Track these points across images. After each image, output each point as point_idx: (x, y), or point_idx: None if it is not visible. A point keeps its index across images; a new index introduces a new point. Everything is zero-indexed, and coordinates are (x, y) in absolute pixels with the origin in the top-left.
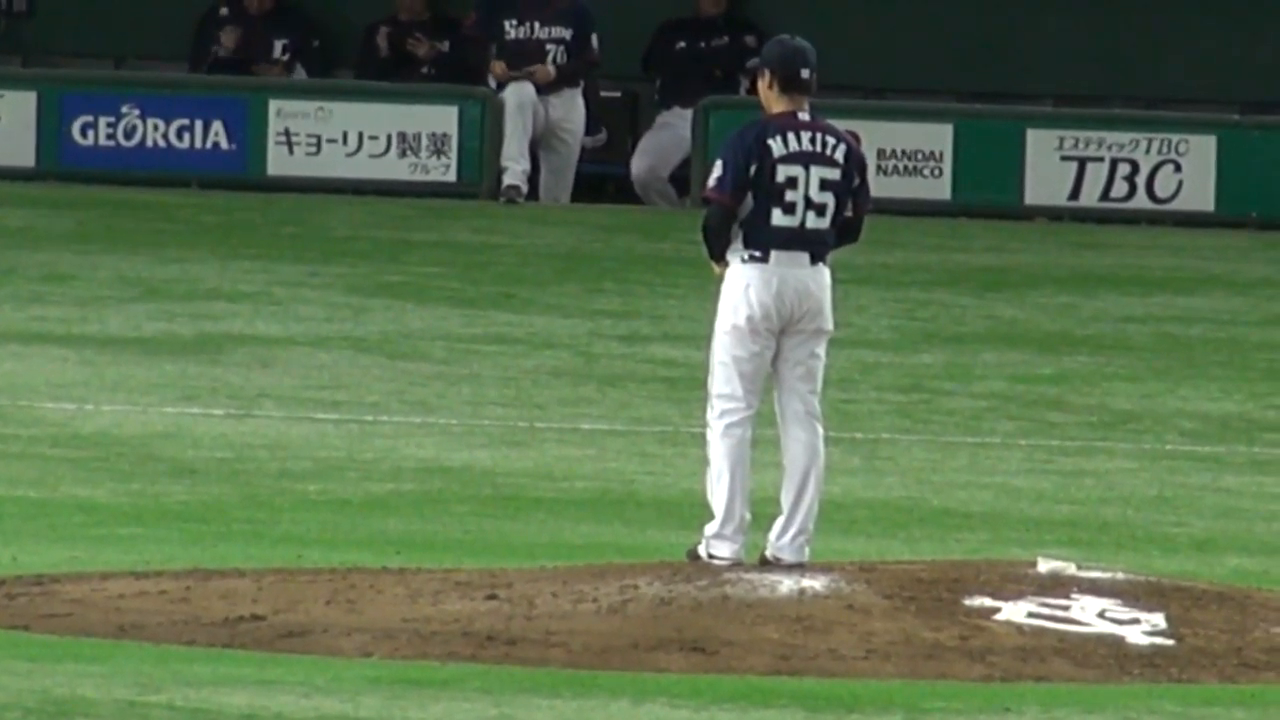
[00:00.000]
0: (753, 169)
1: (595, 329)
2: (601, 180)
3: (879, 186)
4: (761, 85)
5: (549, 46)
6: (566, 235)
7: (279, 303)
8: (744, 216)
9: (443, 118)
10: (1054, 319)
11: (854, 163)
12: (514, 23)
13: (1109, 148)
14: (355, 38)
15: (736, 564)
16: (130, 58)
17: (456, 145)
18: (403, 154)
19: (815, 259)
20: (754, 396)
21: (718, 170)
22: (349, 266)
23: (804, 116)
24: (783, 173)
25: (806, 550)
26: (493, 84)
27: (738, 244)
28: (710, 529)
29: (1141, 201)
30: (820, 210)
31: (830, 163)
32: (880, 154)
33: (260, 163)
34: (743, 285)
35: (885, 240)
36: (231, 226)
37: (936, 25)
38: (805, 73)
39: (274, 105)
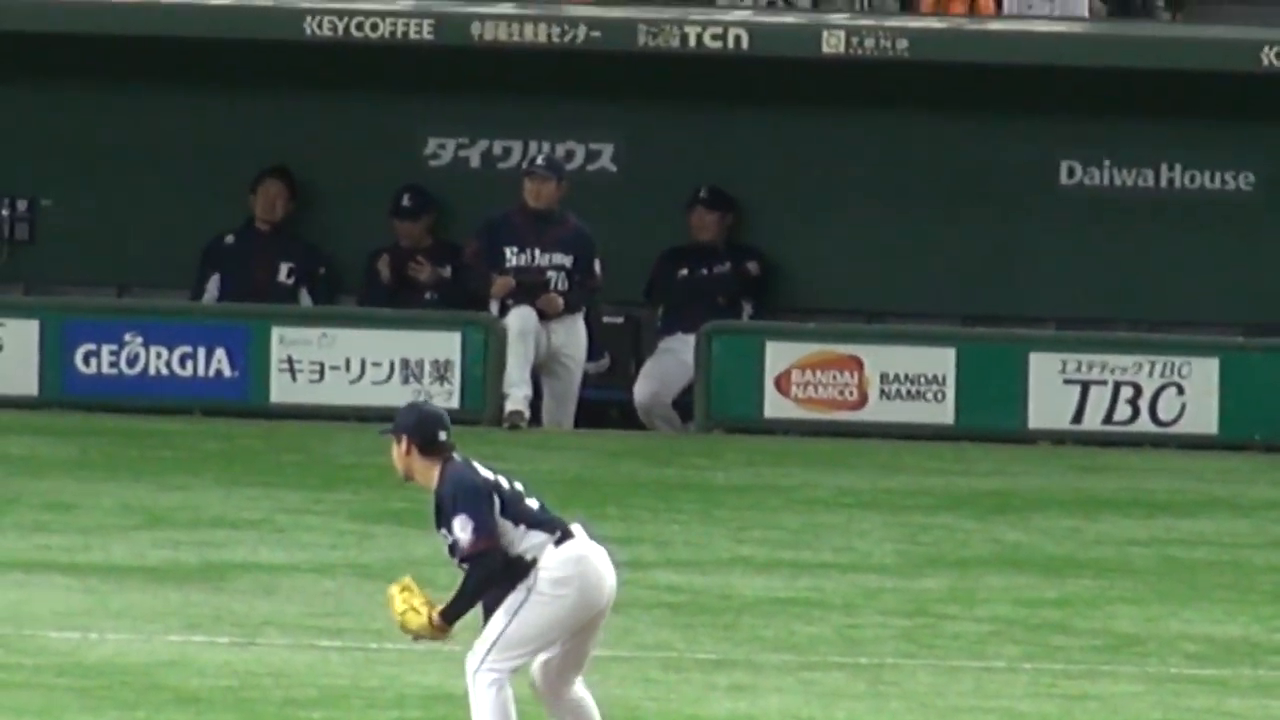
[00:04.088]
0: None
1: None
2: (604, 406)
3: (882, 410)
4: (399, 450)
5: (550, 273)
6: (570, 461)
7: (282, 530)
8: None
9: (445, 344)
10: (1058, 542)
11: None
12: (515, 250)
13: (1112, 371)
14: (358, 265)
15: None
16: (133, 285)
17: (460, 371)
18: (406, 380)
19: None
20: None
21: None
22: (353, 494)
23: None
24: None
25: None
26: (494, 308)
27: None
28: None
29: (1145, 424)
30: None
31: None
32: (883, 378)
33: (263, 390)
34: None
35: (888, 465)
36: (234, 454)
37: (937, 248)
38: (443, 435)
39: (277, 333)
